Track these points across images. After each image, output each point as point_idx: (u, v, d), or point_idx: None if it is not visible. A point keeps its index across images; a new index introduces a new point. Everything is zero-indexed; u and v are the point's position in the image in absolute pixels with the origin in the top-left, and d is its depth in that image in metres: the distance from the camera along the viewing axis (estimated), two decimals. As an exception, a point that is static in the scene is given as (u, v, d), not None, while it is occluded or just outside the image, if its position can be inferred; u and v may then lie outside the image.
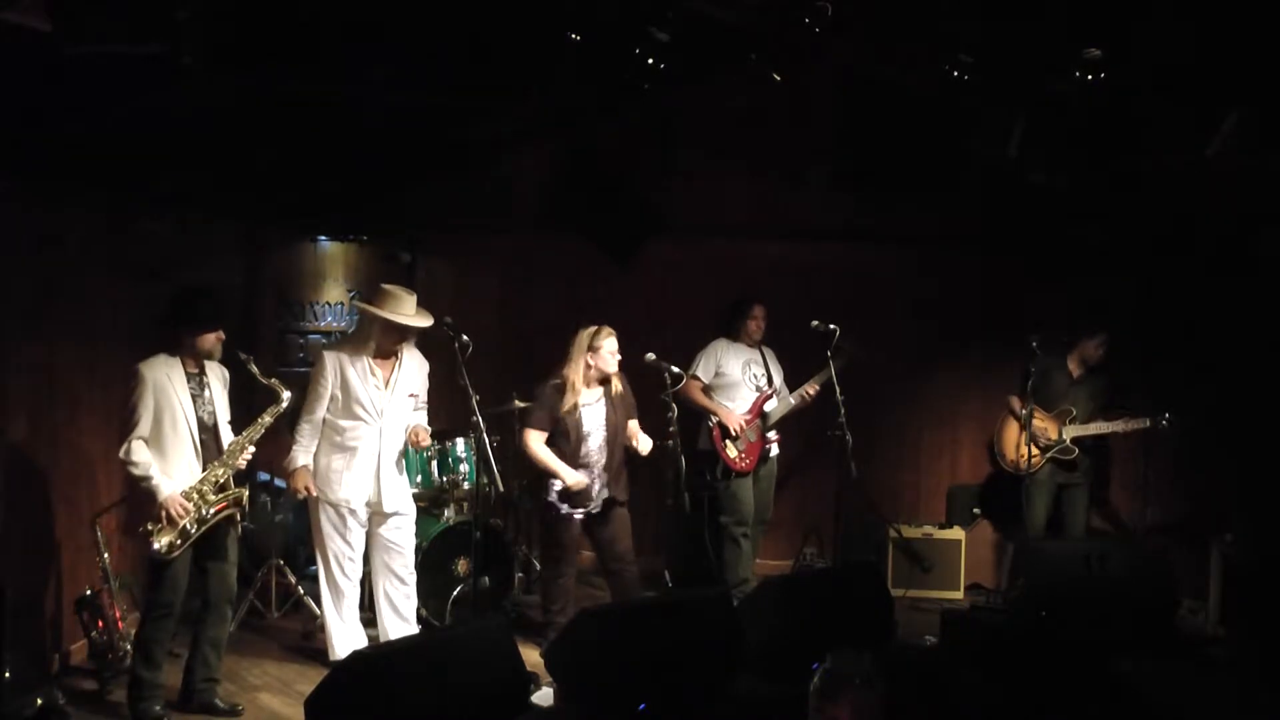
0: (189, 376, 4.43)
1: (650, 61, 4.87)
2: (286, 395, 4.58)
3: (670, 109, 6.46)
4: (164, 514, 4.26)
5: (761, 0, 4.77)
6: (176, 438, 4.36)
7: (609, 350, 5.13)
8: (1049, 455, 6.14)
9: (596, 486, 5.14)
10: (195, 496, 4.35)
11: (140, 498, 4.36)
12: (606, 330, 5.16)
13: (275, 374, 4.83)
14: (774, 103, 6.34)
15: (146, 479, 4.27)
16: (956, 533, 6.66)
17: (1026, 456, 6.05)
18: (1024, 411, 5.99)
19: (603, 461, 5.14)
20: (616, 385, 5.21)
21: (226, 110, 4.94)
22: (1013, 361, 6.29)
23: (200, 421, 4.44)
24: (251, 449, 4.51)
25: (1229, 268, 6.28)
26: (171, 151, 5.09)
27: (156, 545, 4.25)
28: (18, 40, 3.59)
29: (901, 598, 6.03)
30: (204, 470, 4.41)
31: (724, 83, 6.24)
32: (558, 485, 5.07)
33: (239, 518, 4.56)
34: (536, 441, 5.11)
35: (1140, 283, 6.57)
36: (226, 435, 4.53)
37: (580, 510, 5.11)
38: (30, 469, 4.77)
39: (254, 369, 4.56)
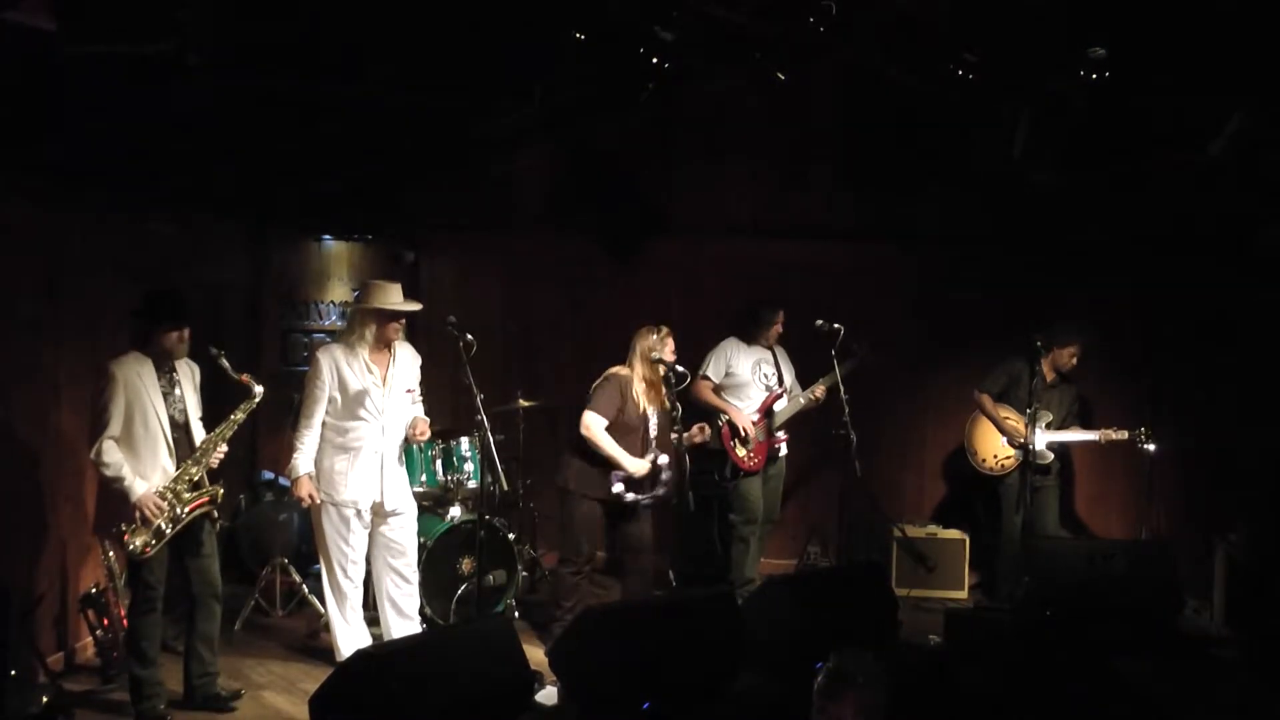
0: (160, 374, 4.38)
1: (655, 61, 4.87)
2: (259, 390, 4.53)
3: (673, 107, 6.45)
4: (138, 514, 4.22)
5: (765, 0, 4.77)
6: (149, 436, 4.31)
7: (670, 350, 5.24)
8: (1023, 458, 6.04)
9: (664, 474, 5.19)
10: (170, 495, 4.31)
11: (112, 498, 4.32)
12: (667, 331, 5.26)
13: (279, 373, 4.82)
14: (777, 101, 6.33)
15: (119, 479, 4.22)
16: (960, 532, 6.64)
17: (1005, 461, 6.12)
18: (1028, 412, 5.91)
19: (663, 456, 5.21)
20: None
21: (231, 110, 4.95)
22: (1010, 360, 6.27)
23: (172, 419, 4.39)
24: (224, 446, 4.47)
25: (1232, 268, 6.27)
26: (176, 151, 5.09)
27: (132, 546, 4.23)
28: (22, 40, 3.60)
29: (905, 597, 6.02)
30: (177, 468, 4.37)
31: (727, 82, 6.23)
32: (619, 475, 5.12)
33: (215, 515, 4.53)
34: (598, 426, 5.13)
35: (1142, 282, 6.55)
36: (198, 432, 4.49)
37: (647, 497, 5.16)
38: (35, 469, 4.78)
39: (225, 364, 4.49)
